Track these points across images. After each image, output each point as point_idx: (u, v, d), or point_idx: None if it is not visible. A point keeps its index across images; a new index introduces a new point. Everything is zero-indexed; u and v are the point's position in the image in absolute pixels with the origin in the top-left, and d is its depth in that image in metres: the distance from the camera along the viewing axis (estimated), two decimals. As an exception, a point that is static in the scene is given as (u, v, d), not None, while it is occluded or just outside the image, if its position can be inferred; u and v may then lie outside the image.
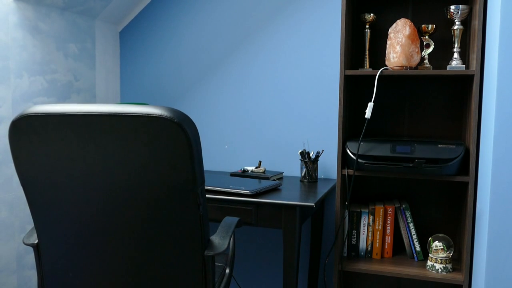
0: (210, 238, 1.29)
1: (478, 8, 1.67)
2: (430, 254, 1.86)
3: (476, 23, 1.72)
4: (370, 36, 2.04)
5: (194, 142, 1.13)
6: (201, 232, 1.22)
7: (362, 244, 1.99)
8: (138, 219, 1.21)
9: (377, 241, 1.97)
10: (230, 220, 1.42)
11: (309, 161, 2.10)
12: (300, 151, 2.13)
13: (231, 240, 1.54)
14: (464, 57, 1.97)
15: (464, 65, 1.81)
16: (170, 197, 1.17)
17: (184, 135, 1.10)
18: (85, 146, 1.16)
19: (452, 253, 1.85)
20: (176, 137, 1.10)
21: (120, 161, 1.15)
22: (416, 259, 1.95)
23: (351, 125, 2.09)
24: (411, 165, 1.75)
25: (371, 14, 1.97)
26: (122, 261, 1.26)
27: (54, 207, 1.25)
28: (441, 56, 2.02)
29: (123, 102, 2.62)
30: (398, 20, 1.81)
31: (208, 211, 1.81)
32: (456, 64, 1.83)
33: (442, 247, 1.84)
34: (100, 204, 1.21)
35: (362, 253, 1.99)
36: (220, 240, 1.29)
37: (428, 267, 1.86)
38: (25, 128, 1.18)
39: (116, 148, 1.14)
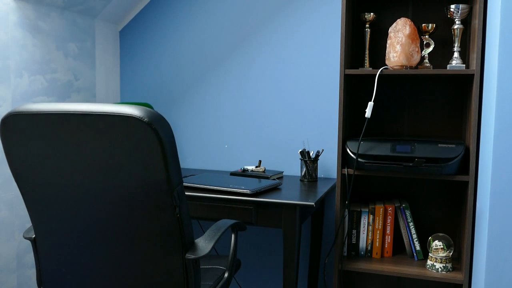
0: (195, 240, 1.27)
1: (478, 7, 1.67)
2: (430, 254, 1.86)
3: (476, 22, 1.72)
4: (370, 35, 2.04)
5: (167, 143, 1.11)
6: (180, 234, 1.20)
7: (362, 243, 1.99)
8: (116, 217, 1.21)
9: (377, 240, 1.97)
10: (223, 223, 1.39)
11: (309, 161, 2.10)
12: (300, 150, 2.13)
13: (232, 243, 1.50)
14: (464, 57, 1.97)
15: (464, 65, 1.81)
16: (145, 198, 1.17)
17: (155, 135, 1.09)
18: (64, 145, 1.17)
19: (452, 252, 1.85)
20: (147, 137, 1.10)
21: (96, 160, 1.16)
22: (416, 259, 1.95)
23: (351, 125, 2.09)
24: (411, 164, 1.75)
25: (371, 14, 1.97)
26: (105, 259, 1.26)
27: (43, 203, 1.28)
28: (441, 55, 2.02)
29: (123, 101, 2.62)
30: (398, 20, 1.81)
31: (208, 211, 1.81)
32: (456, 63, 1.83)
33: (442, 246, 1.84)
34: (81, 203, 1.22)
35: (362, 253, 1.99)
36: (204, 243, 1.27)
37: (428, 266, 1.86)
38: (13, 127, 1.20)
39: (92, 147, 1.15)
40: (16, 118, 1.19)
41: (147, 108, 1.12)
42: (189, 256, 1.22)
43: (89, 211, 1.22)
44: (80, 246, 1.27)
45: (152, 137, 1.10)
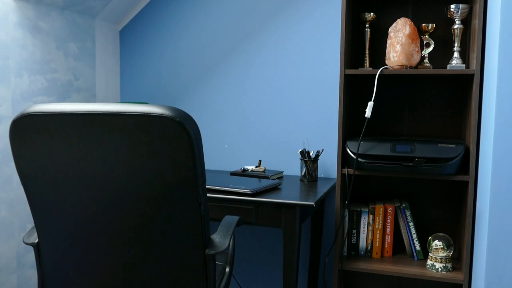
0: (211, 237, 1.30)
1: (478, 7, 1.67)
2: (430, 253, 1.86)
3: (476, 22, 1.72)
4: (370, 35, 2.04)
5: (196, 141, 1.13)
6: (202, 231, 1.22)
7: (362, 243, 1.99)
8: (140, 218, 1.21)
9: (377, 240, 1.97)
10: (231, 219, 1.42)
11: (309, 160, 2.10)
12: (300, 150, 2.13)
13: (231, 239, 1.54)
14: (464, 57, 1.97)
15: (464, 65, 1.81)
16: (172, 196, 1.18)
17: (186, 134, 1.10)
18: (86, 145, 1.16)
19: (452, 252, 1.86)
20: (178, 136, 1.11)
21: (122, 160, 1.15)
22: (416, 258, 1.95)
23: (351, 124, 2.09)
24: (411, 164, 1.75)
25: (371, 13, 1.97)
26: (123, 260, 1.26)
27: (55, 206, 1.25)
28: (441, 55, 2.02)
29: (123, 101, 2.62)
30: (398, 19, 1.81)
31: (209, 210, 1.81)
32: (456, 63, 1.83)
33: (442, 246, 1.84)
34: (101, 203, 1.21)
35: (362, 252, 2.00)
36: (220, 239, 1.30)
37: (428, 266, 1.86)
38: (26, 127, 1.18)
39: (118, 147, 1.14)
40: (30, 119, 1.16)
41: (176, 108, 1.13)
42: (209, 251, 1.25)
43: (110, 213, 1.22)
44: (95, 249, 1.26)
45: (183, 136, 1.11)
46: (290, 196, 1.75)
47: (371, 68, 2.00)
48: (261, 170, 2.17)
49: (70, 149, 1.18)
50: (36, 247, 1.34)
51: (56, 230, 1.28)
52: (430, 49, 1.87)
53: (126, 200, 1.19)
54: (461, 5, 1.81)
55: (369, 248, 1.99)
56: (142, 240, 1.23)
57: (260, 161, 2.22)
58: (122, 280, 1.28)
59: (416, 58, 1.79)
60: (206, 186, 1.82)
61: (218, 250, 1.25)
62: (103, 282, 1.29)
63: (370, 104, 1.83)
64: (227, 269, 1.52)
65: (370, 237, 1.98)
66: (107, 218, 1.23)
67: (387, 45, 1.83)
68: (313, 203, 1.66)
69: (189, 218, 1.20)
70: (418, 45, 1.80)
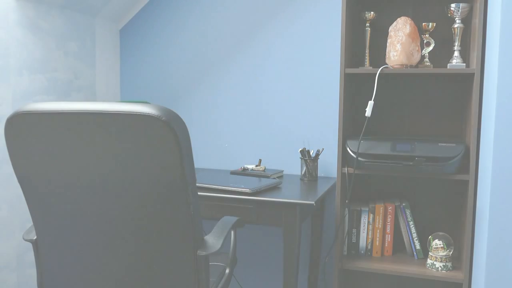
0: (204, 237, 1.29)
1: (478, 6, 1.67)
2: (430, 253, 1.86)
3: (476, 21, 1.72)
4: (371, 34, 2.04)
5: (183, 141, 1.12)
6: (193, 231, 1.21)
7: (362, 242, 1.99)
8: (130, 216, 1.21)
9: (377, 239, 1.97)
10: (227, 220, 1.41)
11: (309, 160, 2.10)
12: (300, 149, 2.13)
13: (232, 240, 1.53)
14: (465, 56, 1.97)
15: (465, 64, 1.81)
16: (160, 196, 1.17)
17: (172, 134, 1.10)
18: (77, 144, 1.17)
19: (452, 251, 1.86)
20: (164, 135, 1.10)
21: (111, 159, 1.16)
22: (416, 257, 1.96)
23: (351, 124, 2.09)
24: (411, 163, 1.75)
25: (372, 12, 1.97)
26: (115, 259, 1.26)
27: (48, 203, 1.26)
28: (442, 54, 2.02)
29: (123, 100, 2.62)
30: (399, 18, 1.81)
31: (208, 210, 1.81)
32: (456, 62, 1.83)
33: (442, 245, 1.84)
34: (92, 202, 1.22)
35: (362, 252, 2.00)
36: (214, 240, 1.28)
37: (428, 265, 1.86)
38: (20, 126, 1.19)
39: (107, 146, 1.15)
40: (23, 118, 1.17)
41: (163, 107, 1.12)
42: (201, 252, 1.23)
43: (100, 211, 1.22)
44: (88, 246, 1.27)
45: (170, 135, 1.10)
46: (290, 195, 1.75)
47: (371, 67, 2.00)
48: (261, 169, 2.17)
49: (61, 148, 1.18)
50: (35, 243, 1.35)
51: (51, 227, 1.29)
52: (431, 48, 1.86)
53: (116, 199, 1.20)
54: (461, 4, 1.81)
55: (369, 247, 1.99)
56: (133, 238, 1.23)
57: (260, 160, 2.22)
58: (114, 278, 1.28)
59: (416, 57, 1.79)
60: (206, 185, 1.83)
61: (210, 251, 1.24)
62: (96, 280, 1.29)
63: (371, 103, 1.83)
64: (227, 270, 1.51)
65: (370, 236, 1.98)
66: (99, 217, 1.23)
67: (387, 44, 1.83)
68: (313, 202, 1.66)
69: (178, 218, 1.19)
70: (419, 44, 1.80)
